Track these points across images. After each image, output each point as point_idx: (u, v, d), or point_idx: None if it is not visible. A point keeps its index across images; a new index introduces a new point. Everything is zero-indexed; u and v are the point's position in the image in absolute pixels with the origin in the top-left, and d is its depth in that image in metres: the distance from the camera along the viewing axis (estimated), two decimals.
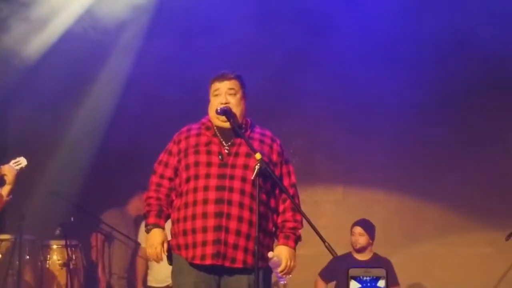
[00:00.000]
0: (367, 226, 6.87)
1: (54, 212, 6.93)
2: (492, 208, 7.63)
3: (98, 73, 7.50)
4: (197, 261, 4.16)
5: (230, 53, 7.12)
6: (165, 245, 4.27)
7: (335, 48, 7.45)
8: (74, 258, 6.65)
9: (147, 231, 4.33)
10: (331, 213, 8.05)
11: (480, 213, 7.75)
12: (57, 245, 6.70)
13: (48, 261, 6.68)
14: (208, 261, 4.14)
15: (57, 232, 6.55)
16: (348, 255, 6.89)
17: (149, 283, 7.00)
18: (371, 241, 6.87)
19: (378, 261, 6.80)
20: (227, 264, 4.15)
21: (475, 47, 7.14)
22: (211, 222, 4.12)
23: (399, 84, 7.65)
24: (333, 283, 6.99)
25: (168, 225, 4.40)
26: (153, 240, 4.27)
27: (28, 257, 6.61)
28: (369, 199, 8.06)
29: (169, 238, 4.35)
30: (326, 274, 6.96)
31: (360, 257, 6.85)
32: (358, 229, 6.87)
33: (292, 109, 7.86)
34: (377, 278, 1.69)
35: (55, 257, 6.70)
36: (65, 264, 6.53)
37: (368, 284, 1.69)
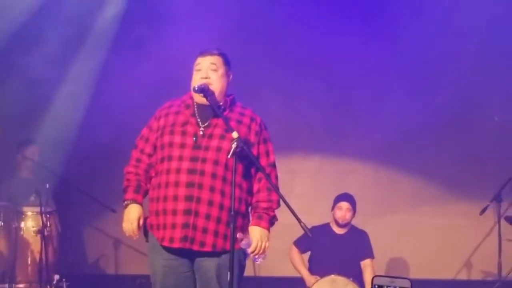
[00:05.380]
0: (354, 202, 6.74)
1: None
2: (467, 180, 7.72)
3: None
4: (166, 243, 4.19)
5: None
6: (141, 221, 4.29)
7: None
8: (49, 225, 6.60)
9: (125, 206, 4.32)
10: (308, 182, 8.06)
11: (456, 185, 7.83)
12: (32, 211, 6.64)
13: (22, 228, 6.63)
14: (176, 244, 4.16)
15: (32, 198, 6.50)
16: (326, 227, 6.81)
17: None
18: (353, 216, 6.79)
19: (355, 234, 6.79)
20: (195, 247, 4.16)
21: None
22: (181, 205, 4.13)
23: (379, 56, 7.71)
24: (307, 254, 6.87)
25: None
26: (129, 216, 4.27)
27: (2, 223, 6.55)
28: (345, 169, 8.08)
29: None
30: (302, 243, 6.77)
31: (338, 230, 6.75)
32: (346, 205, 6.70)
33: (270, 78, 7.83)
34: None
35: (30, 223, 6.65)
36: (40, 231, 6.47)
37: None
